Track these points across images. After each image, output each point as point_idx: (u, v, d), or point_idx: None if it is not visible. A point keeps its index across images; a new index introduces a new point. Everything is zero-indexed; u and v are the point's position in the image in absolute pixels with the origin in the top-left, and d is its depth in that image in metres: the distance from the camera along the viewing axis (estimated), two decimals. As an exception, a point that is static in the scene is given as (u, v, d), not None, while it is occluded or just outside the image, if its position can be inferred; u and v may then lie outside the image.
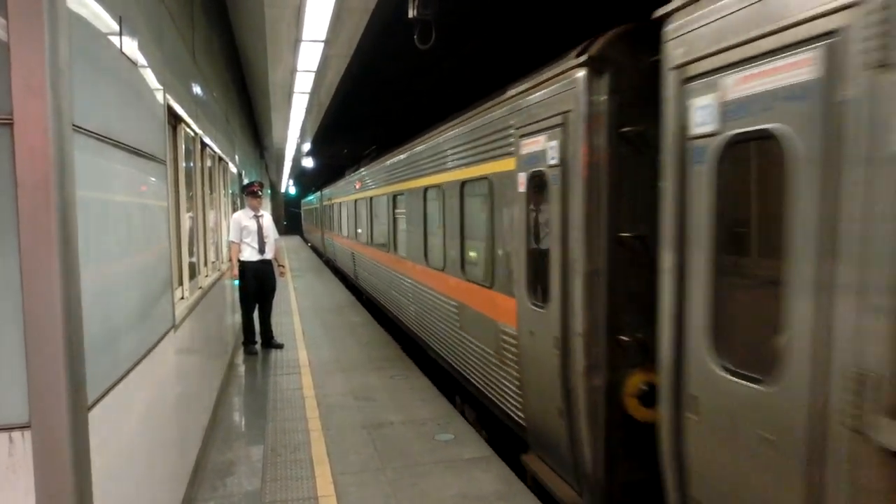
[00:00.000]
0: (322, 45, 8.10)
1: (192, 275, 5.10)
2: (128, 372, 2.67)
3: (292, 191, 49.32)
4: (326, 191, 22.38)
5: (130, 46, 2.91)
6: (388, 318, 10.78)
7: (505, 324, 4.93)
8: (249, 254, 8.11)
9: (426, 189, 7.53)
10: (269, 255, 8.30)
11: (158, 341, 3.35)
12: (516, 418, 4.81)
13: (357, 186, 14.09)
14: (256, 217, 8.18)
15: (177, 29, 4.45)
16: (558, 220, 3.97)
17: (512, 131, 4.73)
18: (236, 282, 8.24)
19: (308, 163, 27.28)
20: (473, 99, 6.07)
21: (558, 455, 4.21)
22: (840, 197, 2.05)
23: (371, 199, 11.85)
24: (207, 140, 6.11)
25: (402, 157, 9.08)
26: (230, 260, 8.09)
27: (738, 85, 2.50)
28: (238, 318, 8.92)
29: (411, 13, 5.51)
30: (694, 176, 2.77)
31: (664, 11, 2.96)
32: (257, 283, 8.26)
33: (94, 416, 2.13)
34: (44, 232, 1.83)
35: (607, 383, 3.70)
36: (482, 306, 5.50)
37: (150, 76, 3.42)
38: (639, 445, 3.50)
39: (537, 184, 4.32)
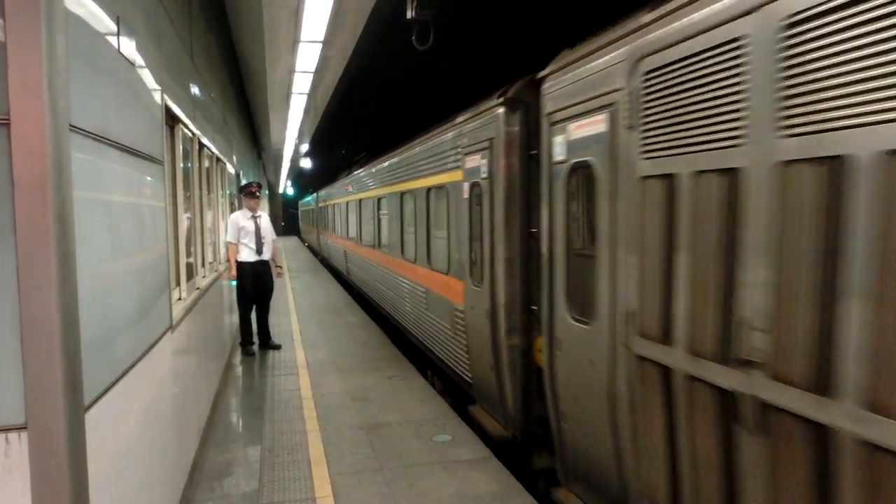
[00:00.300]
0: (320, 45, 8.10)
1: (190, 275, 5.09)
2: (125, 373, 2.66)
3: (290, 191, 49.24)
4: (322, 193, 23.43)
5: (128, 47, 2.90)
6: (379, 314, 11.35)
7: (457, 303, 6.13)
8: (247, 254, 8.09)
9: (402, 193, 8.82)
10: (266, 255, 8.28)
11: (156, 342, 3.34)
12: (466, 378, 6.05)
13: (347, 189, 15.37)
14: (254, 218, 8.16)
15: (175, 29, 4.45)
16: (488, 219, 5.18)
17: (460, 149, 5.96)
18: (234, 282, 8.22)
19: (306, 163, 27.26)
20: (465, 103, 6.14)
21: (491, 401, 5.45)
22: (617, 204, 3.31)
23: (360, 201, 13.10)
24: (205, 141, 6.10)
25: (384, 164, 10.44)
26: (228, 261, 8.08)
27: (575, 130, 3.75)
28: (236, 318, 8.90)
29: (409, 14, 5.52)
30: (555, 189, 4.00)
31: (541, 75, 4.25)
32: (255, 284, 8.24)
33: (91, 417, 2.12)
34: (41, 232, 1.83)
35: (522, 343, 4.91)
36: (442, 290, 6.79)
37: (147, 77, 3.42)
38: None
39: (475, 191, 5.52)
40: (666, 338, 2.92)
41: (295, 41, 7.92)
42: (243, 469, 4.79)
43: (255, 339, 8.68)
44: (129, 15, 2.98)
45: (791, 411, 2.23)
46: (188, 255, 5.02)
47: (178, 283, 4.49)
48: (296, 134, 17.50)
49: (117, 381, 2.53)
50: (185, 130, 4.87)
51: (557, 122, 3.95)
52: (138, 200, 3.11)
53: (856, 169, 1.99)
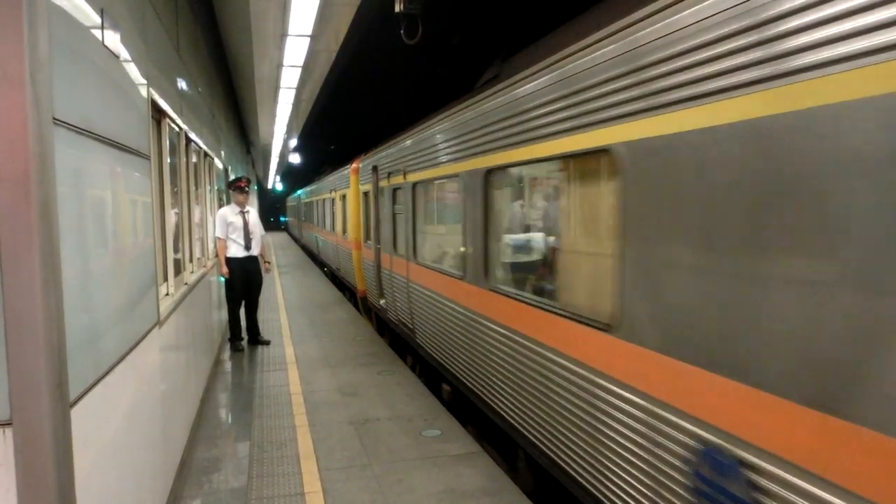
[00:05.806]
0: (308, 39, 8.05)
1: (178, 271, 5.06)
2: (111, 368, 2.65)
3: (279, 187, 48.96)
4: (300, 192, 32.42)
5: (113, 39, 2.87)
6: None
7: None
8: (235, 250, 8.05)
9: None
10: (255, 251, 8.25)
11: (143, 337, 3.32)
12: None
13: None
14: (242, 213, 8.12)
15: (161, 22, 4.41)
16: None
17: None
18: (222, 278, 8.18)
19: (295, 159, 27.13)
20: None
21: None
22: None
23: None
24: (192, 135, 6.05)
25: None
26: (216, 256, 8.02)
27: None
28: (224, 314, 8.86)
29: (398, 8, 5.50)
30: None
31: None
32: (243, 280, 8.21)
33: (77, 412, 2.10)
34: (24, 227, 1.81)
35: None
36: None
37: (133, 70, 3.39)
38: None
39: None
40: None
41: (283, 35, 7.87)
42: (232, 465, 4.78)
43: (244, 334, 8.65)
44: (114, 7, 2.95)
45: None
46: (176, 250, 4.99)
47: (166, 279, 4.46)
48: (284, 129, 17.41)
49: (104, 376, 2.52)
50: (172, 125, 4.83)
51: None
52: (124, 195, 3.08)
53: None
